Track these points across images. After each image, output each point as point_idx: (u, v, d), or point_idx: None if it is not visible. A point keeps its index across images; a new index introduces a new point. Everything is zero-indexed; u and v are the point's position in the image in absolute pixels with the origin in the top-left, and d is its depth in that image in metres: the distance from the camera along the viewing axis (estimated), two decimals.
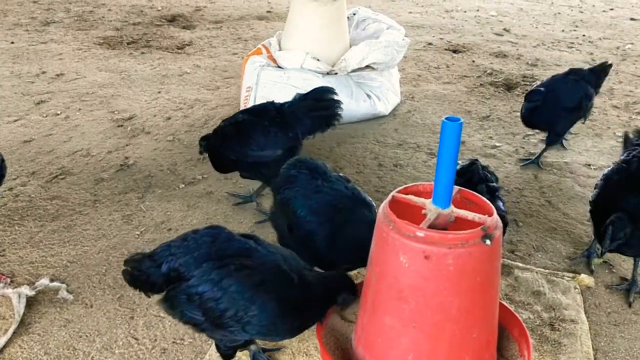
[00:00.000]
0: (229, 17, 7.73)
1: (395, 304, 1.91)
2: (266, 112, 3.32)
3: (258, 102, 4.16)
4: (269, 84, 4.34)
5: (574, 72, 3.96)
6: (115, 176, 3.75)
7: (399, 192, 2.05)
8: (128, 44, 6.48)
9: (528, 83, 5.53)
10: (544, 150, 4.01)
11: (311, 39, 4.53)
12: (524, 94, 5.23)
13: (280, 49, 4.66)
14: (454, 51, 6.55)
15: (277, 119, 3.26)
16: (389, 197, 2.01)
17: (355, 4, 7.31)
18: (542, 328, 2.53)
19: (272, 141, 3.21)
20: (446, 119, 1.81)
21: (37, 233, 3.15)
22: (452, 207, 1.94)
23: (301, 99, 3.38)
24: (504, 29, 7.50)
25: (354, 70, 4.52)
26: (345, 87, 4.42)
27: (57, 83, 5.26)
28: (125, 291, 2.73)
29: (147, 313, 2.60)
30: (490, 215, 1.91)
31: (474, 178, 2.72)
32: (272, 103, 3.44)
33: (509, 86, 5.49)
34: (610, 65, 4.13)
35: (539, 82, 4.12)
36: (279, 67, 4.50)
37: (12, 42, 6.33)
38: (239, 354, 2.32)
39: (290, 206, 2.47)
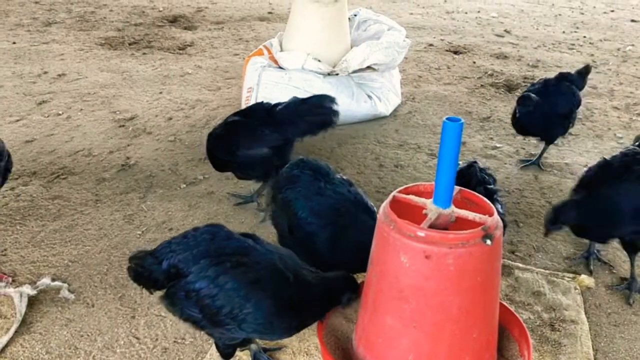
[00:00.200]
0: (231, 18, 7.74)
1: (396, 304, 1.92)
2: (255, 112, 3.37)
3: None
4: (270, 84, 4.35)
5: (564, 77, 3.90)
6: (117, 176, 3.76)
7: (399, 192, 2.06)
8: (130, 44, 6.50)
9: (529, 84, 5.53)
10: (544, 150, 4.01)
11: (312, 40, 4.54)
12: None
13: (281, 50, 4.67)
14: (455, 52, 6.56)
15: (265, 119, 3.28)
16: (390, 197, 2.02)
17: (356, 5, 7.33)
18: (543, 328, 2.53)
19: (258, 140, 3.24)
20: (447, 119, 1.82)
21: (39, 233, 3.16)
22: (452, 207, 1.95)
23: (299, 103, 3.39)
24: (505, 30, 7.51)
25: (355, 71, 4.53)
26: (346, 87, 4.43)
27: (59, 83, 5.27)
28: (127, 291, 2.74)
29: (148, 312, 2.61)
30: (491, 215, 1.92)
31: (472, 181, 2.72)
32: (261, 104, 3.48)
33: (509, 87, 5.50)
34: (590, 67, 4.12)
35: (534, 84, 4.07)
36: (280, 67, 4.51)
37: (14, 43, 6.35)
38: (240, 353, 2.33)
39: (291, 207, 2.47)
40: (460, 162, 2.80)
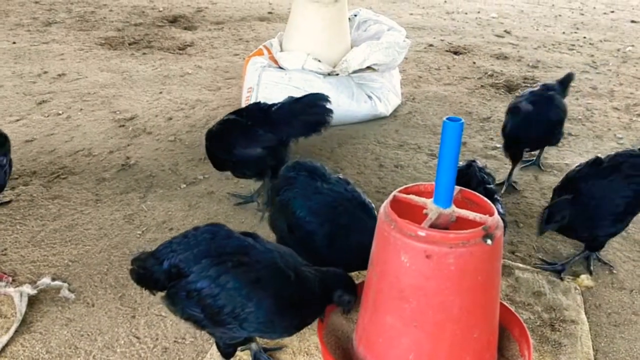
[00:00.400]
0: (230, 18, 7.75)
1: (397, 304, 1.92)
2: (251, 112, 3.39)
3: None
4: (270, 84, 4.35)
5: (547, 87, 3.79)
6: (117, 176, 3.76)
7: (400, 191, 2.06)
8: (129, 44, 6.50)
9: (529, 85, 5.54)
10: (541, 152, 4.00)
11: (312, 40, 4.54)
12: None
13: (281, 50, 4.67)
14: (455, 53, 6.57)
15: (260, 119, 3.30)
16: (390, 196, 2.02)
17: (356, 5, 7.33)
18: (543, 328, 2.53)
19: (253, 140, 3.25)
20: (447, 119, 1.82)
21: (39, 232, 3.16)
22: (453, 207, 1.95)
23: (293, 102, 3.40)
24: (505, 31, 7.51)
25: (355, 71, 4.53)
26: (346, 88, 4.43)
27: (59, 83, 5.27)
28: (127, 290, 2.74)
29: (148, 312, 2.61)
30: (491, 215, 1.92)
31: (472, 181, 2.72)
32: (258, 104, 3.49)
33: (509, 88, 5.51)
34: (572, 75, 4.03)
35: (519, 96, 3.85)
36: (280, 68, 4.51)
37: (14, 42, 6.35)
38: (240, 353, 2.33)
39: (289, 207, 2.47)
40: (459, 162, 2.80)
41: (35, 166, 3.83)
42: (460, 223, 1.94)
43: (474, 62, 6.21)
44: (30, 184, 3.62)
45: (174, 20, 7.49)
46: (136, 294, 2.71)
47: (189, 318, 2.04)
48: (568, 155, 4.21)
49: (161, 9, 7.98)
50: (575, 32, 7.60)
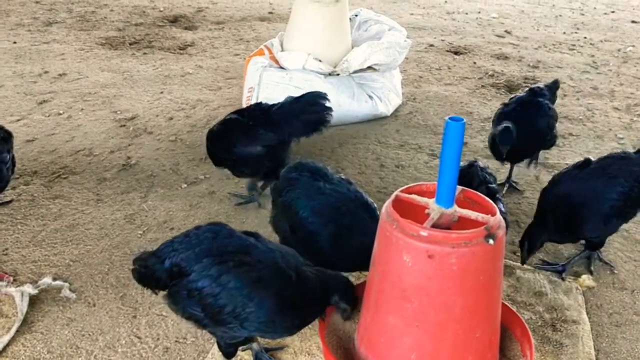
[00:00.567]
0: (231, 18, 7.74)
1: (399, 303, 1.92)
2: (252, 113, 3.40)
3: None
4: (271, 84, 4.35)
5: (536, 93, 3.64)
6: (118, 176, 3.76)
7: (402, 191, 2.05)
8: (130, 44, 6.50)
9: (529, 85, 5.53)
10: (532, 159, 3.77)
11: (313, 40, 4.54)
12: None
13: (282, 50, 4.67)
14: (456, 53, 6.57)
15: (261, 119, 3.31)
16: (392, 196, 2.02)
17: (357, 5, 7.33)
18: (544, 329, 2.53)
19: (253, 138, 3.26)
20: (449, 118, 1.82)
21: (40, 232, 3.16)
22: (455, 207, 1.95)
23: (293, 101, 3.41)
24: (505, 31, 7.51)
25: (355, 71, 4.53)
26: (347, 88, 4.43)
27: (60, 83, 5.27)
28: (128, 290, 2.74)
29: (149, 312, 2.61)
30: (493, 215, 1.92)
31: (474, 181, 2.72)
32: (259, 104, 3.50)
33: (510, 88, 5.50)
34: (559, 82, 3.92)
35: (506, 103, 3.68)
36: (281, 67, 4.51)
37: (15, 42, 6.35)
38: (242, 353, 2.33)
39: (292, 207, 2.47)
40: (461, 162, 2.80)
41: (36, 166, 3.83)
42: (463, 223, 1.94)
43: (475, 62, 6.21)
44: (31, 183, 3.62)
45: (174, 20, 7.49)
46: (137, 293, 2.71)
47: (189, 317, 2.05)
48: (569, 155, 4.21)
49: (162, 9, 7.98)
50: (576, 32, 7.59)
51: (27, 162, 3.86)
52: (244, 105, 4.44)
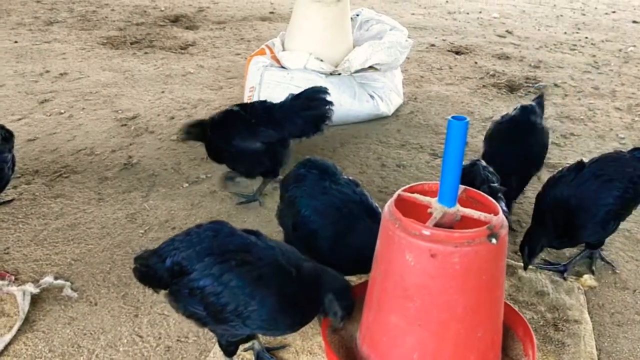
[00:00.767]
0: (232, 18, 7.74)
1: (401, 303, 1.92)
2: (254, 109, 3.41)
3: None
4: (272, 84, 4.35)
5: (528, 110, 3.42)
6: (119, 175, 3.76)
7: (404, 190, 2.05)
8: (131, 44, 6.50)
9: (531, 85, 5.54)
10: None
11: (314, 40, 4.54)
12: (527, 96, 5.28)
13: (283, 50, 4.67)
14: (457, 52, 6.56)
15: (263, 116, 3.32)
16: (395, 195, 2.02)
17: (358, 5, 7.33)
18: (546, 328, 2.53)
19: (252, 134, 3.27)
20: (452, 117, 1.82)
21: (42, 231, 3.16)
22: (458, 206, 1.95)
23: (293, 98, 3.42)
24: (507, 31, 7.51)
25: (357, 71, 4.53)
26: (349, 87, 4.43)
27: (61, 82, 5.27)
28: (130, 289, 2.74)
29: (151, 311, 2.61)
30: (496, 214, 1.92)
31: (477, 180, 2.72)
32: (263, 102, 3.50)
33: (511, 88, 5.50)
34: (544, 94, 3.78)
35: (499, 122, 3.47)
36: (283, 67, 4.51)
37: (16, 42, 6.35)
38: (243, 353, 2.33)
39: (295, 205, 2.47)
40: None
41: (38, 165, 3.83)
42: (465, 222, 1.94)
43: (476, 62, 6.21)
44: (33, 182, 3.62)
45: (175, 20, 7.49)
46: (139, 292, 2.71)
47: (191, 315, 2.05)
48: (570, 155, 4.20)
49: (163, 9, 7.98)
50: (577, 32, 7.59)
51: (29, 162, 3.86)
52: None
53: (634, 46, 6.98)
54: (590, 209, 2.71)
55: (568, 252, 3.11)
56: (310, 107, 3.38)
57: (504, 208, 2.61)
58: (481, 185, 2.62)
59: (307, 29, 4.58)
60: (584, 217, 2.72)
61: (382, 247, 1.98)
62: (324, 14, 4.52)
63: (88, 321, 2.54)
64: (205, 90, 5.23)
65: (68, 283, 2.71)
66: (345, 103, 4.38)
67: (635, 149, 2.96)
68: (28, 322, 2.51)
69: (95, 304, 2.64)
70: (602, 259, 3.02)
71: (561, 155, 4.20)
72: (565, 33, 7.55)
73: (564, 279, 2.86)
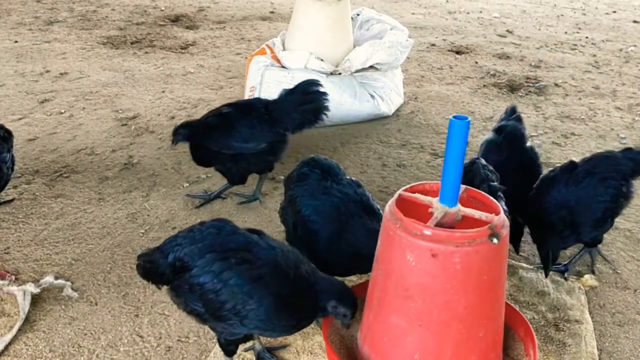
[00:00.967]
0: (233, 18, 7.74)
1: (402, 302, 1.91)
2: (253, 108, 3.35)
3: None
4: (273, 83, 4.34)
5: (512, 136, 3.13)
6: (120, 175, 3.76)
7: (405, 190, 2.05)
8: (132, 43, 6.49)
9: (531, 84, 5.53)
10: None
11: (315, 39, 4.54)
12: (527, 95, 5.28)
13: (284, 49, 4.66)
14: (457, 52, 6.56)
15: (264, 116, 3.28)
16: (396, 195, 2.01)
17: (358, 4, 7.32)
18: (547, 328, 2.53)
19: (257, 134, 3.24)
20: (454, 117, 1.81)
21: (42, 231, 3.15)
22: (459, 206, 1.94)
23: (288, 94, 3.40)
24: (507, 31, 7.50)
25: (357, 71, 4.52)
26: (349, 87, 4.43)
27: (61, 82, 5.27)
28: (130, 289, 2.73)
29: (151, 311, 2.60)
30: (497, 214, 1.92)
31: (476, 179, 2.71)
32: (259, 99, 3.47)
33: (512, 87, 5.50)
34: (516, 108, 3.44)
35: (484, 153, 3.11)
36: (283, 67, 4.50)
37: (16, 41, 6.34)
38: (245, 353, 2.33)
39: (296, 204, 2.47)
40: None
41: (38, 165, 3.83)
42: (466, 222, 1.93)
43: (476, 62, 6.20)
44: (33, 182, 3.62)
45: (176, 20, 7.48)
46: (139, 292, 2.71)
47: (191, 312, 2.06)
48: (571, 155, 4.19)
49: (163, 8, 7.98)
50: (578, 32, 7.58)
51: (29, 161, 3.86)
52: None
53: (635, 46, 6.97)
54: (589, 207, 2.71)
55: (568, 251, 3.11)
56: (306, 101, 3.37)
57: (505, 207, 2.60)
58: (481, 184, 2.61)
59: (307, 29, 4.58)
60: (583, 215, 2.72)
61: (383, 247, 1.98)
62: (325, 14, 4.52)
63: (88, 321, 2.54)
64: (205, 90, 5.22)
65: (68, 283, 2.71)
66: (346, 103, 4.38)
67: (626, 149, 2.96)
68: (28, 322, 2.50)
69: (96, 304, 2.64)
70: (602, 256, 3.02)
71: (562, 155, 4.19)
72: (565, 33, 7.55)
73: (565, 279, 2.85)
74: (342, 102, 4.35)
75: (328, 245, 2.40)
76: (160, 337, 2.46)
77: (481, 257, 1.83)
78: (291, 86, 4.26)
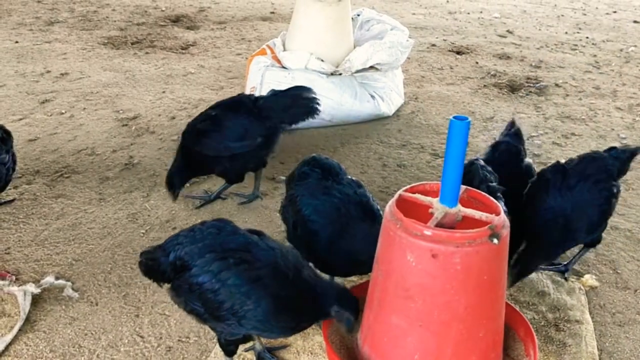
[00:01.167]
0: (233, 18, 7.74)
1: (402, 303, 1.92)
2: (242, 104, 3.32)
3: None
4: (273, 84, 4.33)
5: (510, 150, 3.10)
6: (120, 175, 3.76)
7: (405, 190, 2.05)
8: (132, 44, 6.50)
9: (532, 85, 5.53)
10: None
11: (315, 40, 4.54)
12: (527, 95, 5.28)
13: (284, 50, 4.67)
14: (458, 52, 6.56)
15: (253, 111, 3.26)
16: (396, 195, 2.02)
17: (359, 5, 7.33)
18: (547, 328, 2.53)
19: (250, 130, 3.22)
20: (454, 117, 1.81)
21: (42, 231, 3.16)
22: (459, 206, 1.94)
23: (277, 95, 3.36)
24: (508, 31, 7.50)
25: (358, 71, 4.52)
26: (349, 87, 4.43)
27: (62, 82, 5.27)
28: (131, 289, 2.74)
29: (152, 311, 2.61)
30: (498, 214, 1.92)
31: (475, 179, 2.70)
32: (246, 96, 3.45)
33: (512, 88, 5.50)
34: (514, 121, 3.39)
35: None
36: (284, 67, 4.51)
37: (17, 42, 6.35)
38: (245, 353, 2.33)
39: (296, 204, 2.47)
40: None
41: (39, 165, 3.83)
42: (466, 222, 1.93)
43: (477, 62, 6.20)
44: (34, 182, 3.62)
45: (176, 20, 7.49)
46: (140, 292, 2.71)
47: (191, 311, 2.07)
48: (571, 155, 4.17)
49: (163, 9, 7.98)
50: (578, 32, 7.58)
51: (30, 162, 3.86)
52: None
53: (635, 46, 6.97)
54: (585, 211, 2.65)
55: (569, 252, 3.11)
56: (295, 106, 3.33)
57: (504, 208, 2.60)
58: (480, 184, 2.61)
59: (308, 29, 4.58)
60: (580, 220, 2.66)
61: (383, 247, 1.98)
62: (325, 14, 4.52)
63: (89, 321, 2.54)
64: (206, 91, 5.23)
65: (69, 283, 2.71)
66: (346, 103, 4.38)
67: (611, 148, 2.93)
68: (29, 322, 2.51)
69: (96, 304, 2.64)
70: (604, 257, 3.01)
71: (562, 155, 4.19)
72: (566, 33, 7.55)
73: (565, 279, 2.85)
74: (343, 103, 4.35)
75: (328, 245, 2.40)
76: (161, 337, 2.47)
77: (481, 257, 1.83)
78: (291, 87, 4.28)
